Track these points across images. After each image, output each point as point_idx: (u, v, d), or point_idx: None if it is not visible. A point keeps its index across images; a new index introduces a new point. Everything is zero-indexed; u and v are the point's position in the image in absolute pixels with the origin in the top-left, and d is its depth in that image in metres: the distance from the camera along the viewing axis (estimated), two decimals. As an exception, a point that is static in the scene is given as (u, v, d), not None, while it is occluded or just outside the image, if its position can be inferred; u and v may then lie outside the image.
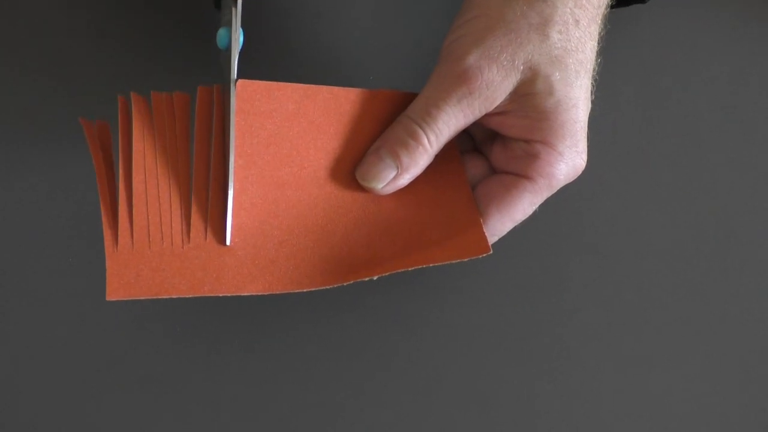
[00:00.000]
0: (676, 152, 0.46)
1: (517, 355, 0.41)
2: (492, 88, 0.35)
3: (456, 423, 0.40)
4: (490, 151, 0.38)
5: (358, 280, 0.35)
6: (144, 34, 0.45)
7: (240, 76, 0.35)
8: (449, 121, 0.36)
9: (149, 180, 0.34)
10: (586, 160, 0.37)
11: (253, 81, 0.35)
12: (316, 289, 0.35)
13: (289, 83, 0.36)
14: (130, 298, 0.33)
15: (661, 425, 0.41)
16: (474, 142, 0.39)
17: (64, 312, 0.40)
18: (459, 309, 0.42)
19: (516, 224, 0.37)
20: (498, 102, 0.35)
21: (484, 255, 0.36)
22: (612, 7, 0.38)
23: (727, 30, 0.49)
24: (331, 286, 0.35)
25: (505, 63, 0.34)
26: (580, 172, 0.37)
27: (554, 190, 0.37)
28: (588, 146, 0.37)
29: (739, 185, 0.45)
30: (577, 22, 0.35)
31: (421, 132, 0.36)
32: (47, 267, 0.41)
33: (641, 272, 0.43)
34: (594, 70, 0.37)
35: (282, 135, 0.36)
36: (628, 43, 0.47)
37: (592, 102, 0.37)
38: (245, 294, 0.34)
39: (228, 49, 0.36)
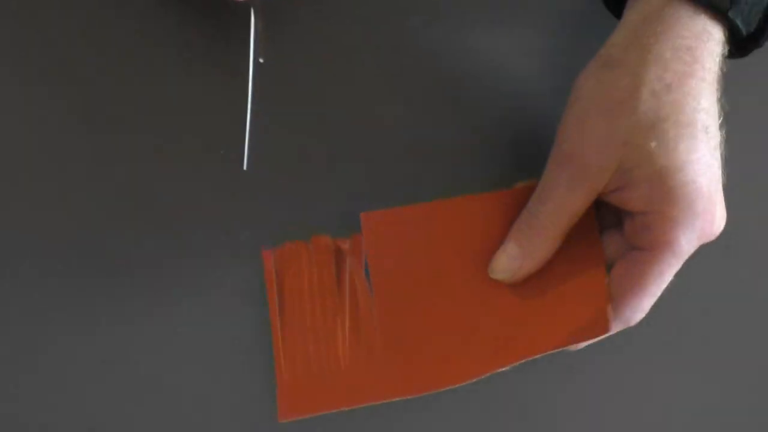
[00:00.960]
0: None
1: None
2: (593, 170, 0.35)
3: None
4: (624, 227, 0.38)
5: (492, 372, 0.37)
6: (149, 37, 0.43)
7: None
8: (563, 206, 0.37)
9: (307, 313, 0.39)
10: (715, 219, 0.35)
11: (375, 212, 0.38)
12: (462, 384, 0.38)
13: (409, 206, 0.39)
14: (297, 418, 0.38)
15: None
16: (618, 218, 0.39)
17: (70, 312, 0.42)
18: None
19: (656, 298, 0.37)
20: (605, 181, 0.36)
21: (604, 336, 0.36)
22: (730, 57, 0.37)
23: None
24: (471, 381, 0.37)
25: (599, 144, 0.35)
26: (711, 233, 0.36)
27: (684, 257, 0.36)
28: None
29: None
30: (668, 87, 0.34)
31: (537, 221, 0.37)
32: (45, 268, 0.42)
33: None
34: (710, 127, 0.35)
35: (413, 253, 0.39)
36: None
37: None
38: (402, 398, 0.38)
39: None
